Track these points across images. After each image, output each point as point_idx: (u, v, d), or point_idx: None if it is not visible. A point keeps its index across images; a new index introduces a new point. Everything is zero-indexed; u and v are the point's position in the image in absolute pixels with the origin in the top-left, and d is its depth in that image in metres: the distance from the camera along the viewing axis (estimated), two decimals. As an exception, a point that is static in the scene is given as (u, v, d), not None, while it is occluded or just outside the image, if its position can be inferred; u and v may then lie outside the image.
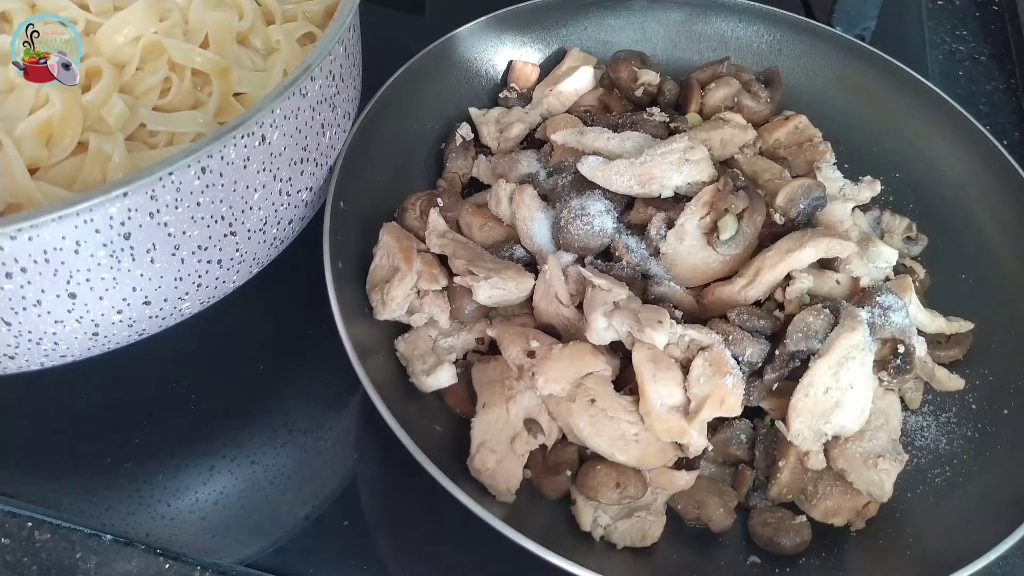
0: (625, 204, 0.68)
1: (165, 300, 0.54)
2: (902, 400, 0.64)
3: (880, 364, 0.61)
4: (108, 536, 0.57)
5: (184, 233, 0.52)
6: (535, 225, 0.67)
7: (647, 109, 0.76)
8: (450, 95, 0.79)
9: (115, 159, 0.55)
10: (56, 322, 0.50)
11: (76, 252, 0.48)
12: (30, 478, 0.61)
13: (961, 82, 1.00)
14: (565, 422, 0.57)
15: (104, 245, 0.48)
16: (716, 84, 0.79)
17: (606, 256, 0.66)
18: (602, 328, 0.58)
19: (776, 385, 0.59)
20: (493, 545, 0.50)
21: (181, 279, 0.54)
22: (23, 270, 0.47)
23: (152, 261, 0.51)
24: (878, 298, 0.61)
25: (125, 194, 0.47)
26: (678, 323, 0.58)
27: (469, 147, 0.77)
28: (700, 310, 0.63)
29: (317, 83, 0.58)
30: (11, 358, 0.53)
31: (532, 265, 0.66)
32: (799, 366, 0.59)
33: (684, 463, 0.59)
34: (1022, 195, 0.72)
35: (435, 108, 0.77)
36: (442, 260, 0.65)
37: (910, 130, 0.80)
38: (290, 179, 0.58)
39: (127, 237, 0.49)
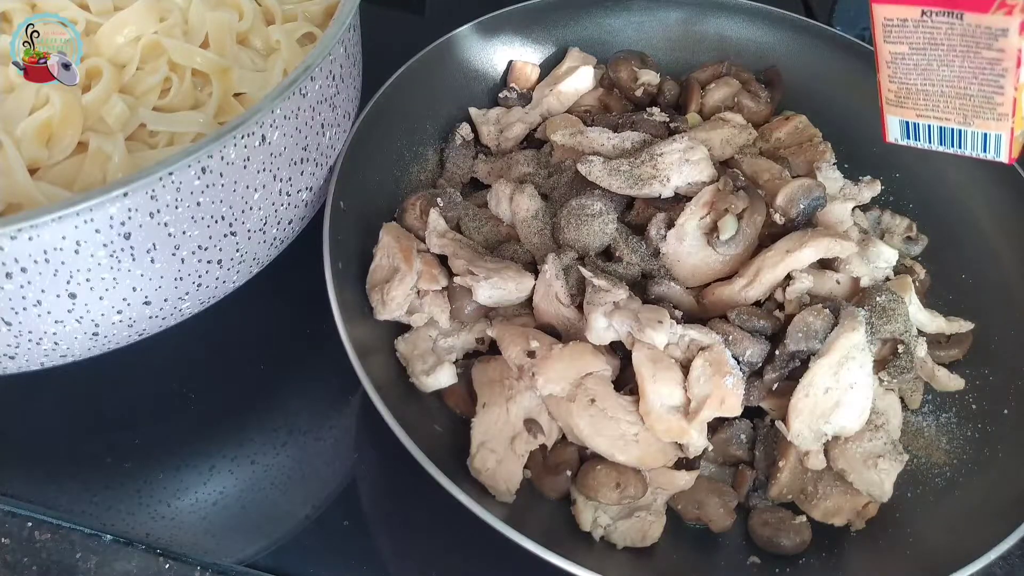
0: (625, 204, 0.68)
1: (165, 300, 0.54)
2: (902, 400, 0.64)
3: (880, 364, 0.61)
4: (108, 536, 0.57)
5: (184, 233, 0.52)
6: (535, 225, 0.67)
7: (647, 109, 0.76)
8: (450, 95, 0.79)
9: (115, 159, 0.55)
10: (56, 322, 0.51)
11: (76, 252, 0.48)
12: (30, 478, 0.61)
13: (961, 82, 1.00)
14: (565, 422, 0.57)
15: (104, 245, 0.48)
16: (716, 84, 0.79)
17: (606, 256, 0.66)
18: (602, 328, 0.58)
19: (776, 385, 0.59)
20: (493, 545, 0.50)
21: (181, 279, 0.54)
22: (23, 270, 0.47)
23: (152, 261, 0.51)
24: (878, 298, 0.61)
25: (125, 194, 0.47)
26: (678, 323, 0.58)
27: (469, 147, 0.77)
28: (700, 310, 0.63)
29: (317, 83, 0.58)
30: (11, 358, 0.53)
31: (532, 265, 0.66)
32: (799, 366, 0.59)
33: (684, 463, 0.59)
34: (1022, 195, 0.72)
35: (435, 108, 0.77)
36: (442, 260, 0.65)
37: (910, 130, 0.80)
38: (290, 179, 0.58)
39: (127, 237, 0.49)
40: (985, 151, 0.53)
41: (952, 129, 0.54)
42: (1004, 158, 0.52)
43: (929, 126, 0.55)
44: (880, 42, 0.53)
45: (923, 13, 0.49)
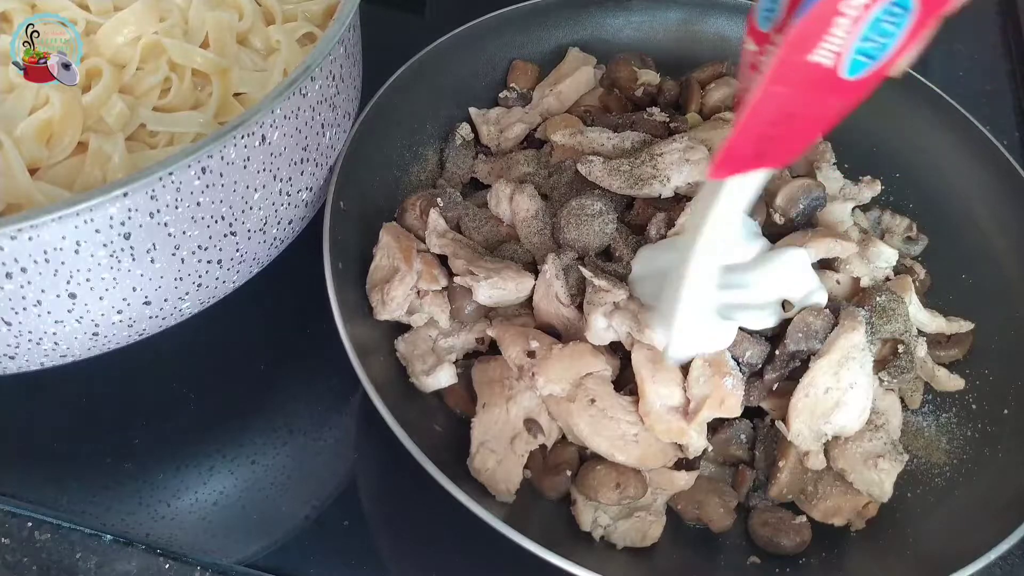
0: (625, 204, 0.68)
1: (165, 300, 0.54)
2: (902, 400, 0.64)
3: (880, 364, 0.61)
4: (108, 536, 0.57)
5: (184, 233, 0.52)
6: (535, 225, 0.67)
7: (647, 109, 0.76)
8: (450, 95, 0.79)
9: (115, 159, 0.55)
10: (56, 322, 0.51)
11: (76, 252, 0.48)
12: (30, 478, 0.61)
13: (961, 82, 1.00)
14: (565, 422, 0.57)
15: (104, 245, 0.48)
16: (716, 84, 0.79)
17: (606, 256, 0.66)
18: (602, 328, 0.58)
19: (776, 385, 0.59)
20: (493, 545, 0.50)
21: (181, 279, 0.54)
22: (23, 270, 0.47)
23: (152, 261, 0.51)
24: (878, 298, 0.61)
25: (125, 194, 0.47)
26: (678, 323, 0.58)
27: (469, 147, 0.77)
28: (700, 310, 0.63)
29: (317, 83, 0.58)
30: (11, 358, 0.53)
31: (532, 265, 0.66)
32: (799, 366, 0.59)
33: (684, 463, 0.59)
34: (1022, 195, 0.72)
35: (435, 108, 0.77)
36: (442, 260, 0.65)
37: (910, 130, 0.79)
38: (290, 179, 0.58)
39: (127, 237, 0.49)
40: None
41: None
42: None
43: None
44: None
45: None
